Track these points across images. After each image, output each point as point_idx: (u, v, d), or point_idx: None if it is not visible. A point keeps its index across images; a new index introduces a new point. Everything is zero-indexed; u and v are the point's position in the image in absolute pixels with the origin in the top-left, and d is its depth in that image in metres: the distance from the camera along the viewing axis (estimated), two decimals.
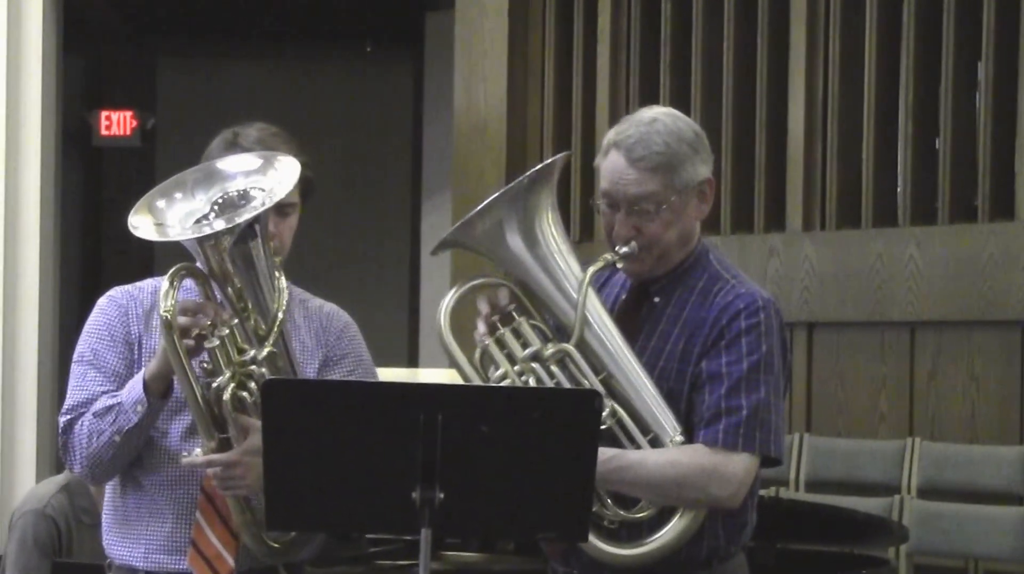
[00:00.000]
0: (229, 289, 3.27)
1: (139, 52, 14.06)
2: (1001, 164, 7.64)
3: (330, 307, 3.57)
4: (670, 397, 3.31)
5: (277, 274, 3.32)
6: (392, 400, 3.03)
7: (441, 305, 3.40)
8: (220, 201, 3.28)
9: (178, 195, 3.29)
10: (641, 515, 3.30)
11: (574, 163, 8.91)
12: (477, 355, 3.37)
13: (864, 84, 8.13)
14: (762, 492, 6.83)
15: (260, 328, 3.28)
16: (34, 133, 9.31)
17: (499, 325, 3.35)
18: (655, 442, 3.29)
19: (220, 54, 14.16)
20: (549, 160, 3.46)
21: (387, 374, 6.05)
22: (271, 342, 3.28)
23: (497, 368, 3.35)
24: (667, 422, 3.29)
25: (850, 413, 8.10)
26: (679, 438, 3.28)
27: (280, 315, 3.29)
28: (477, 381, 3.35)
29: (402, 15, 12.97)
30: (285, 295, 3.32)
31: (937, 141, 7.92)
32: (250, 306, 3.28)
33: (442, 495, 2.97)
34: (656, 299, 3.40)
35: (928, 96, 7.93)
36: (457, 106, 9.92)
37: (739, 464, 3.28)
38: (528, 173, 3.40)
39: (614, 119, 3.57)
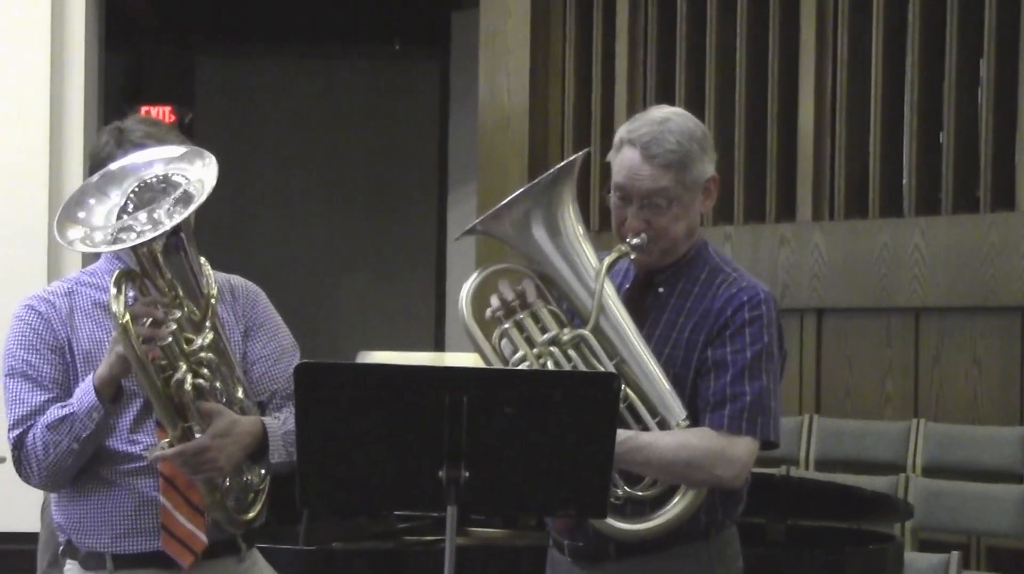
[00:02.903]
0: (161, 282, 3.26)
1: (177, 49, 14.10)
2: (1002, 157, 7.71)
3: (236, 279, 3.57)
4: (676, 382, 3.37)
5: (202, 259, 3.33)
6: (420, 383, 3.04)
7: (463, 289, 3.44)
8: (137, 189, 3.26)
9: (91, 200, 3.26)
10: (649, 493, 3.36)
11: (593, 157, 8.91)
12: (496, 336, 3.40)
13: (871, 81, 8.20)
14: (773, 471, 7.08)
15: (194, 314, 3.28)
16: (76, 127, 9.34)
17: (518, 309, 3.40)
18: (662, 425, 3.34)
19: (255, 52, 14.19)
20: (572, 157, 3.52)
21: (414, 358, 6.15)
22: (209, 326, 3.29)
23: (516, 350, 3.38)
24: (674, 406, 3.35)
25: (857, 395, 8.14)
26: (684, 422, 3.34)
27: (213, 300, 3.30)
28: (497, 362, 3.38)
29: (429, 15, 12.99)
30: (213, 279, 3.33)
31: (941, 135, 7.99)
32: (181, 294, 3.26)
33: (467, 474, 3.01)
34: (660, 289, 3.47)
35: (932, 92, 8.00)
36: (481, 101, 9.95)
37: (743, 447, 3.35)
38: (552, 170, 3.47)
39: (632, 114, 3.54)
